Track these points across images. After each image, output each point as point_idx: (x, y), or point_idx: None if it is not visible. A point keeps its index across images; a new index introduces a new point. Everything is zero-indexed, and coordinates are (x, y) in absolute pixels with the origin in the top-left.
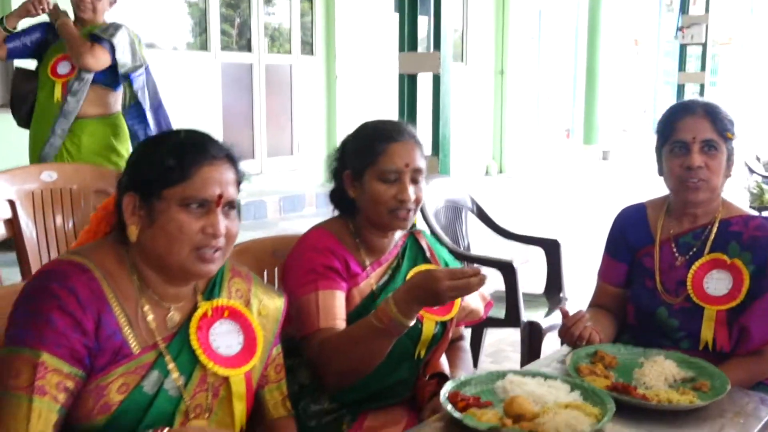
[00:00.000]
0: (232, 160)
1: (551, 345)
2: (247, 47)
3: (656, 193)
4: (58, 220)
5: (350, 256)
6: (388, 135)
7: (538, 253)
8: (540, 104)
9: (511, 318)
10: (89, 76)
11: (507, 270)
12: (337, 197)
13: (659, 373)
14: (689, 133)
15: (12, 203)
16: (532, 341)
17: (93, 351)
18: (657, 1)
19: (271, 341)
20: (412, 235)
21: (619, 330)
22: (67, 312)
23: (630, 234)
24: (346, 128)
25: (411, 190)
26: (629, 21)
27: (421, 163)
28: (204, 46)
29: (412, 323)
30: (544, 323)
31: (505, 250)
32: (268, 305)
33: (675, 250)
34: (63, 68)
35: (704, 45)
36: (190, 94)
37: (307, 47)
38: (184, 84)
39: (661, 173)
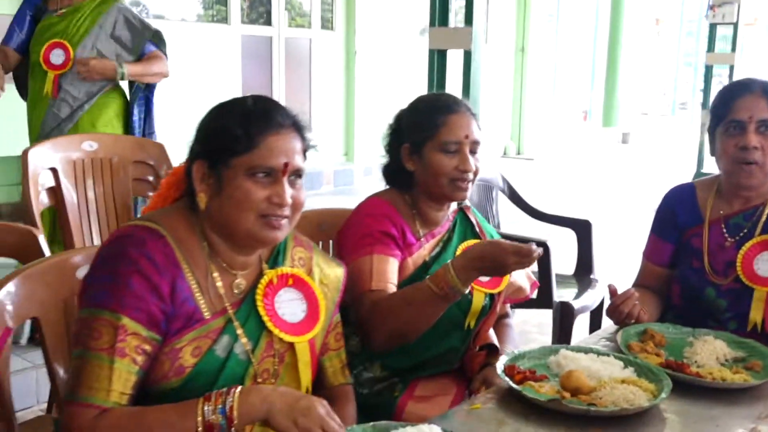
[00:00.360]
0: (299, 128)
1: (581, 326)
2: (267, 20)
3: (680, 179)
4: (99, 189)
5: (406, 225)
6: (447, 107)
7: (563, 235)
8: (557, 85)
9: (543, 298)
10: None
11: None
12: (391, 171)
13: (710, 352)
14: (746, 112)
15: (55, 171)
16: (563, 322)
17: (169, 315)
18: None
19: (332, 310)
20: (462, 211)
21: (663, 310)
22: (145, 277)
23: (679, 213)
24: (364, 104)
25: (471, 161)
26: (652, 0)
27: (479, 135)
28: (224, 18)
29: (466, 291)
30: (575, 304)
31: (528, 230)
32: (329, 274)
33: (725, 230)
34: (57, 58)
35: (735, 25)
36: (210, 67)
37: (327, 22)
38: (203, 56)
39: (713, 153)
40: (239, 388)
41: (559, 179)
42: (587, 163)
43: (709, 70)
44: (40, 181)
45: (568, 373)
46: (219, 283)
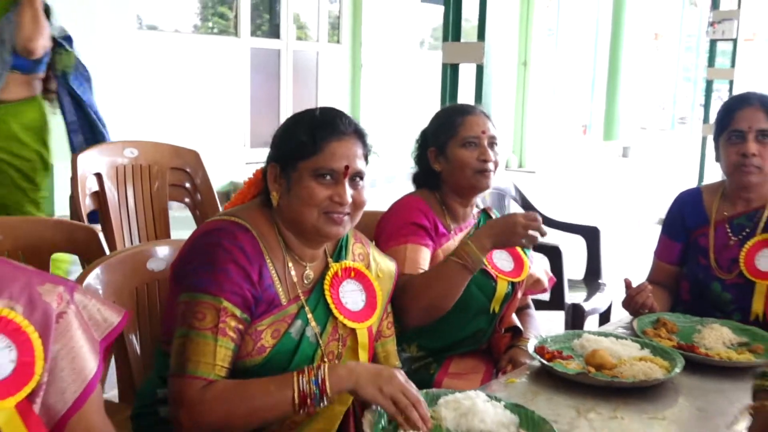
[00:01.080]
0: (360, 135)
1: (590, 328)
2: (276, 33)
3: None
4: (138, 194)
5: (438, 219)
6: (464, 110)
7: (572, 242)
8: (558, 99)
9: (556, 301)
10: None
11: (553, 254)
12: (420, 176)
13: (717, 337)
14: (745, 123)
15: (99, 176)
16: (574, 323)
17: (257, 300)
18: None
19: (386, 300)
20: (485, 212)
21: (672, 304)
22: (239, 265)
23: (687, 215)
24: (370, 116)
25: (490, 152)
26: (651, 15)
27: (495, 132)
28: (225, 30)
29: (484, 258)
30: (586, 306)
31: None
32: (384, 268)
33: (729, 230)
34: None
35: (735, 41)
36: (219, 78)
37: (334, 35)
38: (213, 68)
39: (717, 160)
40: (327, 363)
41: (561, 192)
42: (588, 176)
43: (709, 85)
44: (87, 185)
45: (592, 351)
46: (293, 273)
